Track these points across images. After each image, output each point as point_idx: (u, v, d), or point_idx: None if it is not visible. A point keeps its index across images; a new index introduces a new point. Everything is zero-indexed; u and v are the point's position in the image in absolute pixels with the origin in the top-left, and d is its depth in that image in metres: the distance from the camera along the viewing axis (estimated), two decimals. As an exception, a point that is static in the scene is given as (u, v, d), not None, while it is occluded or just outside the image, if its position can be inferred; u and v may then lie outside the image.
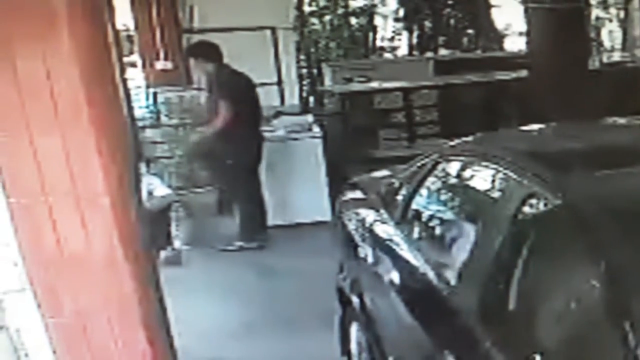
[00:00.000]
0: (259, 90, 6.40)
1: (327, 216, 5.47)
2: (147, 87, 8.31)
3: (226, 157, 5.80)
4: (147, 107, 8.09)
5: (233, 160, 5.77)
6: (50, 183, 2.33)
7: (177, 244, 5.70)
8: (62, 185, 2.33)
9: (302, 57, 13.26)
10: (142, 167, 5.34)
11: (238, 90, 5.80)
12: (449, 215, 2.85)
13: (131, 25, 8.58)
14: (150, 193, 5.42)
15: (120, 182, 2.43)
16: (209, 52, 5.85)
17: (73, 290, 2.42)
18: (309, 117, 7.12)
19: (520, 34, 14.07)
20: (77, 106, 2.28)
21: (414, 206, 3.01)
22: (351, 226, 3.57)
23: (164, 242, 5.60)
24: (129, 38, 9.18)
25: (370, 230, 3.28)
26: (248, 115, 5.84)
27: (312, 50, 15.73)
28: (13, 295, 2.40)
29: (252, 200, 5.96)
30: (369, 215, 3.41)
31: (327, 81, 11.06)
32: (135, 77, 8.45)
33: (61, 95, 2.26)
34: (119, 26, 6.51)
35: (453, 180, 2.93)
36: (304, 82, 13.24)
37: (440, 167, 2.97)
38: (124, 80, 5.50)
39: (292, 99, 9.08)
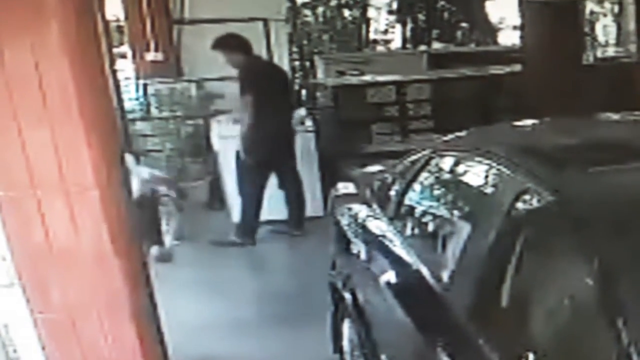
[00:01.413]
0: None
1: (319, 211, 5.47)
2: (137, 78, 8.28)
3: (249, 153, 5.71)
4: (137, 99, 8.07)
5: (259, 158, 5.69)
6: (39, 176, 2.31)
7: (167, 239, 5.66)
8: (51, 178, 2.31)
9: (294, 49, 13.25)
10: (132, 160, 5.28)
11: (269, 83, 5.74)
12: (442, 211, 2.84)
13: (121, 16, 8.54)
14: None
15: (109, 175, 2.41)
16: (237, 44, 5.78)
17: (62, 285, 2.40)
18: (302, 111, 7.09)
19: (515, 27, 14.07)
20: (66, 98, 2.25)
21: (407, 202, 3.00)
22: (344, 222, 3.55)
23: (154, 238, 5.57)
24: (119, 29, 9.13)
25: (363, 226, 3.26)
26: (279, 108, 5.76)
27: (305, 42, 15.73)
28: (1, 290, 2.38)
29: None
30: (361, 210, 3.39)
31: (320, 74, 11.04)
32: (125, 69, 8.41)
33: (50, 86, 2.24)
34: (108, 17, 6.48)
35: (446, 176, 2.91)
36: (297, 75, 13.22)
37: (433, 162, 2.96)
38: (114, 72, 5.47)
39: (285, 91, 9.02)
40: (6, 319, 2.42)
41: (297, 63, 13.98)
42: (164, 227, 5.61)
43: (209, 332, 4.22)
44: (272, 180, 6.03)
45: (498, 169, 2.38)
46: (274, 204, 6.00)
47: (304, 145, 6.43)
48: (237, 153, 5.82)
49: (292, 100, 6.15)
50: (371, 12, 18.34)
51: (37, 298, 2.40)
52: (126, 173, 2.65)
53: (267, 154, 5.71)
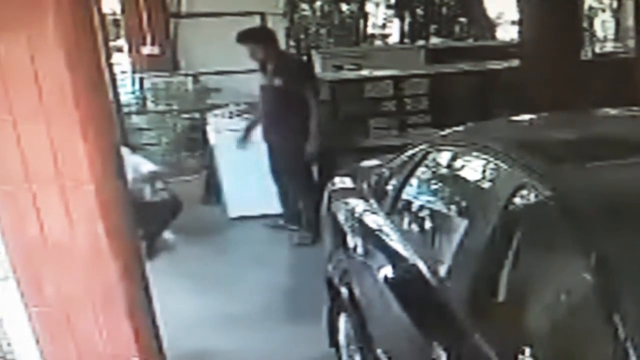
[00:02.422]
0: (247, 76, 6.36)
1: (316, 206, 5.44)
2: (134, 72, 8.26)
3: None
4: (134, 92, 8.05)
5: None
6: (34, 170, 2.30)
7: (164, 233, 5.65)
8: (46, 172, 2.30)
9: (291, 43, 13.21)
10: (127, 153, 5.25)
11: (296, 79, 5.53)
12: (439, 205, 2.84)
13: (118, 9, 8.52)
14: (135, 171, 5.29)
15: (105, 169, 2.40)
16: (261, 37, 5.65)
17: (57, 279, 2.39)
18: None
19: (513, 23, 14.07)
20: (61, 91, 2.24)
21: (404, 196, 2.99)
22: (340, 216, 3.55)
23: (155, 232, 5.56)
24: (115, 22, 9.11)
25: (360, 221, 3.26)
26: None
27: (302, 36, 15.70)
28: (-5, 283, 2.37)
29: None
30: (358, 205, 3.39)
31: (317, 69, 11.00)
32: (122, 62, 8.39)
33: (46, 80, 2.23)
34: (105, 10, 6.46)
35: (443, 171, 2.91)
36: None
37: (430, 157, 2.95)
38: (110, 65, 5.44)
39: (282, 86, 9.01)
40: (0, 313, 2.41)
41: (294, 57, 13.93)
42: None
43: (204, 326, 4.21)
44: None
45: (495, 164, 2.38)
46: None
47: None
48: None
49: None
50: (369, 7, 18.30)
51: (32, 292, 2.39)
52: (122, 167, 2.63)
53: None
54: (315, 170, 5.83)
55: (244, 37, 5.56)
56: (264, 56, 5.47)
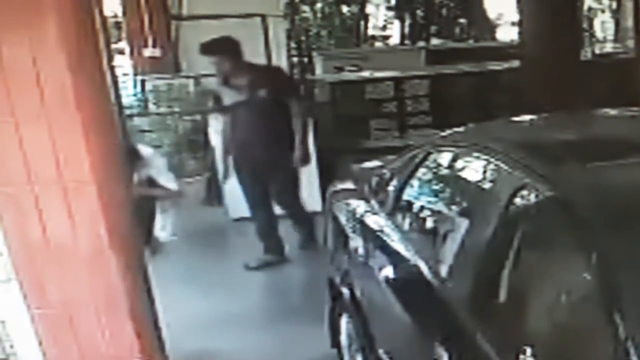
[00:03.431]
0: None
1: (317, 207, 5.45)
2: (135, 74, 8.27)
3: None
4: (135, 95, 8.06)
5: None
6: (36, 172, 2.30)
7: (163, 234, 5.65)
8: (48, 174, 2.30)
9: (292, 45, 13.22)
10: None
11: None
12: (440, 206, 2.84)
13: (119, 12, 8.53)
14: (150, 180, 5.23)
15: (107, 170, 2.41)
16: (226, 48, 4.96)
17: (59, 280, 2.39)
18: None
19: (513, 24, 14.09)
20: (63, 93, 2.24)
21: (405, 197, 3.00)
22: (342, 217, 3.55)
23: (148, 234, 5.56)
24: (117, 25, 9.12)
25: (361, 222, 3.26)
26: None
27: (303, 38, 15.72)
28: (-2, 285, 2.37)
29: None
30: (359, 206, 3.39)
31: (318, 70, 11.03)
32: (123, 65, 8.39)
33: (47, 82, 2.23)
34: (106, 13, 6.46)
35: (444, 172, 2.91)
36: (295, 71, 13.19)
37: (431, 158, 2.95)
38: (112, 68, 5.44)
39: (283, 87, 9.01)
40: (3, 315, 2.41)
41: (295, 59, 13.94)
42: (160, 222, 5.60)
43: (206, 327, 4.22)
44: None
45: (496, 165, 2.38)
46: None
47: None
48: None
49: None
50: (370, 8, 18.33)
51: (35, 294, 2.39)
52: (124, 168, 2.64)
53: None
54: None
55: (207, 48, 5.02)
56: (231, 68, 4.89)
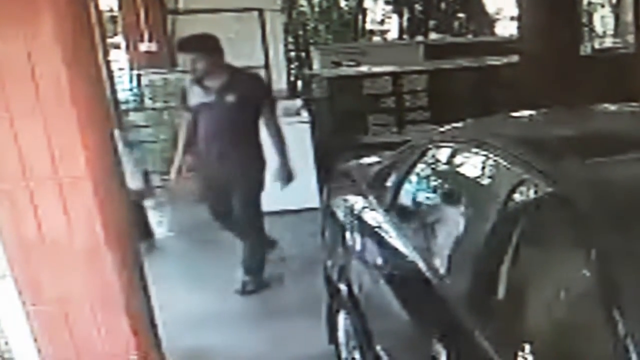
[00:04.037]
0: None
1: (315, 203, 5.44)
2: (131, 69, 8.23)
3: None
4: (131, 89, 8.03)
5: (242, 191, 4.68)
6: (31, 167, 2.29)
7: (159, 230, 5.64)
8: (44, 169, 2.29)
9: (290, 39, 13.20)
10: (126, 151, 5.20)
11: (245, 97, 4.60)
12: (438, 202, 2.83)
13: (115, 6, 8.49)
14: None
15: (102, 166, 2.39)
16: (204, 46, 4.62)
17: (55, 277, 2.38)
18: (297, 102, 7.08)
19: (512, 18, 14.08)
20: (59, 88, 2.23)
21: (403, 193, 2.98)
22: (340, 213, 3.54)
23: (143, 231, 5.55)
24: (113, 19, 9.09)
25: (359, 218, 3.25)
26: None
27: (301, 33, 15.69)
28: (-7, 282, 2.36)
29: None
30: (357, 202, 3.38)
31: (316, 65, 11.00)
32: (119, 59, 8.37)
33: (43, 77, 2.22)
34: (102, 7, 6.44)
35: (443, 167, 2.90)
36: (292, 66, 13.18)
37: (429, 153, 2.94)
38: (107, 62, 5.39)
39: (280, 83, 9.02)
40: (-2, 312, 2.41)
41: (292, 54, 13.93)
42: (157, 219, 5.59)
43: (203, 324, 4.21)
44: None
45: (495, 160, 2.37)
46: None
47: (299, 136, 6.41)
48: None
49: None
50: (367, 2, 18.29)
51: (30, 290, 2.38)
52: (119, 164, 2.63)
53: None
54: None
55: (185, 45, 4.71)
56: (207, 68, 4.52)
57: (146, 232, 5.77)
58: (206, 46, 4.60)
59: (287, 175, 4.78)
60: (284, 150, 4.76)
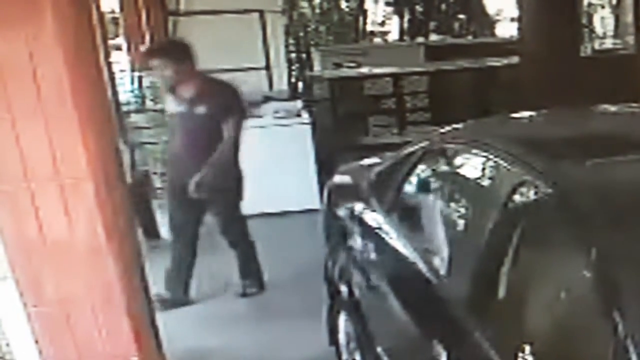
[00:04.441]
0: (246, 75, 6.24)
1: (316, 204, 5.45)
2: (132, 70, 8.21)
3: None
4: (132, 91, 8.01)
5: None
6: (32, 168, 2.29)
7: (162, 230, 5.65)
8: (45, 170, 2.29)
9: (291, 41, 13.21)
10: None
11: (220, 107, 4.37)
12: (439, 203, 2.83)
13: (116, 8, 8.48)
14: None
15: (104, 167, 2.39)
16: (173, 52, 4.41)
17: (56, 278, 2.38)
18: (298, 103, 7.08)
19: (512, 19, 14.07)
20: (60, 89, 2.23)
21: (403, 194, 2.99)
22: (340, 214, 3.54)
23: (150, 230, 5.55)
24: (114, 20, 9.07)
25: (360, 219, 3.25)
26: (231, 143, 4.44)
27: (301, 34, 15.71)
28: (-6, 283, 2.36)
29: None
30: (358, 203, 3.38)
31: (317, 66, 11.02)
32: (120, 61, 8.36)
33: (44, 78, 2.22)
34: (103, 8, 6.44)
35: (443, 168, 2.90)
36: (293, 67, 13.19)
37: (430, 154, 2.94)
38: (109, 64, 5.38)
39: (281, 84, 9.02)
40: None
41: (293, 55, 13.94)
42: (159, 218, 5.60)
43: (204, 325, 4.21)
44: (264, 172, 5.96)
45: (495, 162, 2.37)
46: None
47: (300, 137, 6.42)
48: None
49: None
50: (368, 4, 18.30)
51: (31, 291, 2.38)
52: (121, 165, 2.63)
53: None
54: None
55: (154, 50, 4.59)
56: (175, 75, 4.29)
57: (154, 233, 5.79)
58: (174, 53, 4.37)
59: (204, 179, 4.32)
60: (216, 158, 4.33)
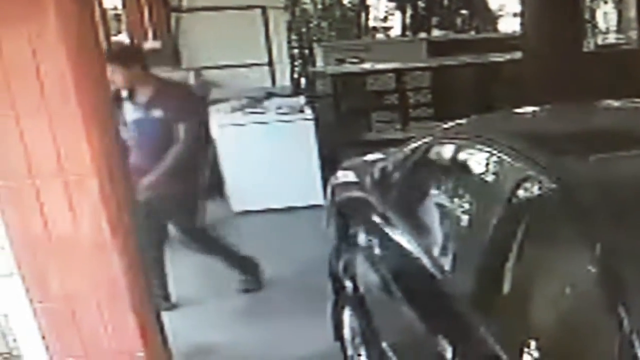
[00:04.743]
0: (248, 71, 6.22)
1: (319, 200, 5.46)
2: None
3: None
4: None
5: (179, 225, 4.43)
6: (37, 165, 2.29)
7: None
8: (49, 167, 2.29)
9: (293, 37, 13.21)
10: None
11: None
12: (442, 199, 2.83)
13: (119, 4, 8.50)
14: None
15: (108, 163, 2.40)
16: (122, 58, 4.19)
17: (61, 274, 2.39)
18: (301, 99, 7.09)
19: (515, 15, 14.04)
20: (63, 86, 2.23)
21: (407, 190, 2.99)
22: (344, 210, 3.54)
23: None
24: (117, 17, 9.09)
25: (364, 214, 3.25)
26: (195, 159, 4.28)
27: (304, 30, 15.69)
28: (0, 279, 2.37)
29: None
30: (361, 198, 3.38)
31: (319, 62, 11.00)
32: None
33: (48, 75, 2.22)
34: (106, 5, 6.44)
35: (447, 164, 2.90)
36: (296, 63, 13.19)
37: (433, 150, 2.94)
38: (112, 61, 5.31)
39: (284, 80, 9.04)
40: (6, 309, 2.41)
41: (296, 51, 13.93)
42: None
43: (210, 320, 4.22)
44: (267, 168, 5.93)
45: (499, 157, 2.37)
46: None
47: (303, 133, 6.42)
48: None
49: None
50: (370, -1, 18.28)
51: (37, 287, 2.39)
52: (125, 161, 2.63)
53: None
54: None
55: (107, 56, 4.14)
56: (125, 81, 4.12)
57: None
58: (120, 58, 4.15)
59: (153, 179, 4.13)
60: (170, 159, 4.15)
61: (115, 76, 4.05)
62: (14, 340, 2.44)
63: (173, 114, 4.13)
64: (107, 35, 5.72)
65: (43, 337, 2.44)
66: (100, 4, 5.30)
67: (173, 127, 4.13)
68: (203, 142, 4.39)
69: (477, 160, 2.62)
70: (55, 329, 2.45)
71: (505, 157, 2.32)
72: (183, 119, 4.15)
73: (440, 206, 2.79)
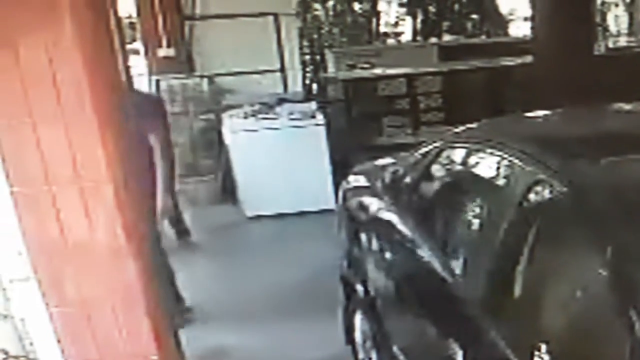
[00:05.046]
0: (261, 77, 6.20)
1: (331, 204, 5.46)
2: (150, 74, 8.29)
3: None
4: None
5: None
6: (53, 172, 2.32)
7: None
8: (66, 173, 2.32)
9: (305, 43, 13.23)
10: None
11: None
12: (454, 203, 2.84)
13: (133, 12, 8.56)
14: None
15: (123, 169, 2.42)
16: None
17: (77, 279, 2.41)
18: (313, 105, 7.11)
19: (525, 19, 13.98)
20: (79, 94, 2.26)
21: (418, 194, 3.00)
22: (355, 214, 3.55)
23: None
24: (131, 25, 9.15)
25: (375, 218, 3.26)
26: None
27: (315, 36, 15.71)
28: (18, 284, 2.40)
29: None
30: (373, 203, 3.39)
31: (331, 68, 11.01)
32: (138, 65, 8.42)
33: (64, 83, 2.25)
34: (121, 13, 6.48)
35: (458, 168, 2.91)
36: (307, 69, 13.22)
37: (444, 154, 2.95)
38: (127, 68, 5.40)
39: (295, 86, 9.06)
40: (22, 313, 2.44)
41: (307, 57, 13.96)
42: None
43: (223, 324, 4.24)
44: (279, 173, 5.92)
45: (510, 161, 2.37)
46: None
47: (315, 138, 6.44)
48: None
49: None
50: (381, 5, 18.25)
51: (53, 292, 2.41)
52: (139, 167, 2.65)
53: None
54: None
55: None
56: None
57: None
58: None
59: (165, 205, 4.09)
60: (163, 178, 4.08)
61: None
62: (30, 343, 2.47)
63: (142, 126, 3.92)
64: (122, 44, 5.76)
65: (58, 341, 2.46)
66: (116, 12, 5.34)
67: (143, 138, 3.99)
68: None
69: (488, 164, 2.62)
70: (70, 333, 2.47)
71: (516, 160, 2.32)
72: (154, 130, 4.05)
73: (451, 210, 2.80)
